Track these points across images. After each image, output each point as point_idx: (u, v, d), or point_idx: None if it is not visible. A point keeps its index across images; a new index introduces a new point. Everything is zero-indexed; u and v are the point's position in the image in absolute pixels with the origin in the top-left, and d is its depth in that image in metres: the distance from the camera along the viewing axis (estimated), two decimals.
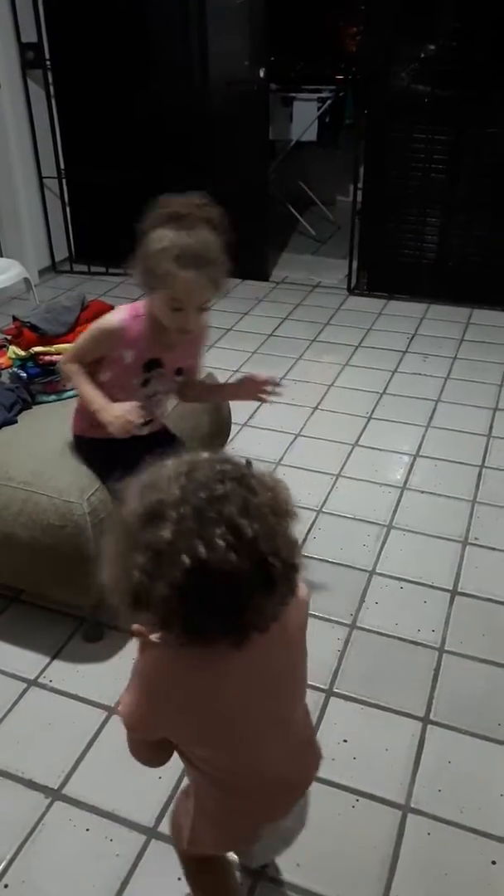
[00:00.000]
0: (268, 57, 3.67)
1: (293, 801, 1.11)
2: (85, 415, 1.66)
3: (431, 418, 2.77)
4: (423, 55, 3.55)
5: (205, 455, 0.81)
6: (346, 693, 1.68)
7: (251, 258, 4.09)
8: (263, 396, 1.72)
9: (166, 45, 3.63)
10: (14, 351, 2.02)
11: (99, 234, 3.96)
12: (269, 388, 1.71)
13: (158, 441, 1.75)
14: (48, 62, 3.81)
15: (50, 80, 3.85)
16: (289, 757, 1.03)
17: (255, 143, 3.86)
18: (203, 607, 0.75)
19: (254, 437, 2.65)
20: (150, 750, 1.00)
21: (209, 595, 0.74)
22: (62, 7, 3.67)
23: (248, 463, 0.82)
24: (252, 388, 1.72)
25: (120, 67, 3.70)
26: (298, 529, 0.71)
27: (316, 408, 2.84)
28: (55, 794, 1.48)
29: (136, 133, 3.82)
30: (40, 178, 4.06)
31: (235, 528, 0.74)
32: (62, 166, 4.05)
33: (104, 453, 1.66)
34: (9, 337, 2.08)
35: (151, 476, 0.79)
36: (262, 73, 3.65)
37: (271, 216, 4.16)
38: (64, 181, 4.07)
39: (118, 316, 1.56)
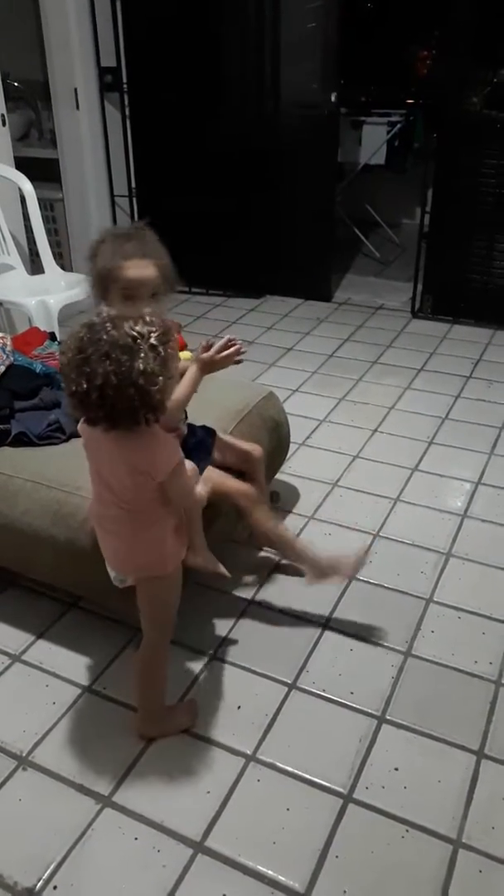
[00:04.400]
0: (339, 82, 3.71)
1: (110, 564, 1.51)
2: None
3: (495, 446, 2.72)
4: (496, 80, 3.54)
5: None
6: (399, 721, 1.66)
7: (314, 278, 4.12)
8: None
9: (239, 69, 3.71)
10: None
11: (166, 251, 4.06)
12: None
13: (195, 434, 1.83)
14: (125, 85, 3.94)
15: (126, 102, 3.98)
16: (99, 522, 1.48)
17: (324, 166, 3.89)
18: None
19: (311, 457, 2.65)
20: None
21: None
22: (140, 33, 3.80)
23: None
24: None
25: (193, 91, 3.80)
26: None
27: (376, 430, 2.83)
28: (105, 801, 1.50)
29: (206, 155, 3.90)
30: (112, 196, 4.19)
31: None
32: (133, 186, 4.16)
33: None
34: None
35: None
36: (333, 98, 3.69)
37: (336, 237, 4.18)
38: (134, 200, 4.19)
39: None
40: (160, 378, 1.21)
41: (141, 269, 1.57)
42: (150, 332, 1.20)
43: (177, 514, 1.44)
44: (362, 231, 4.75)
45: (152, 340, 1.20)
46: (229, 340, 1.67)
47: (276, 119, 3.78)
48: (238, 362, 1.70)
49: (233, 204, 3.94)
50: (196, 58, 3.74)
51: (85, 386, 1.18)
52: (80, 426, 1.37)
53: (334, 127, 3.87)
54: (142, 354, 1.18)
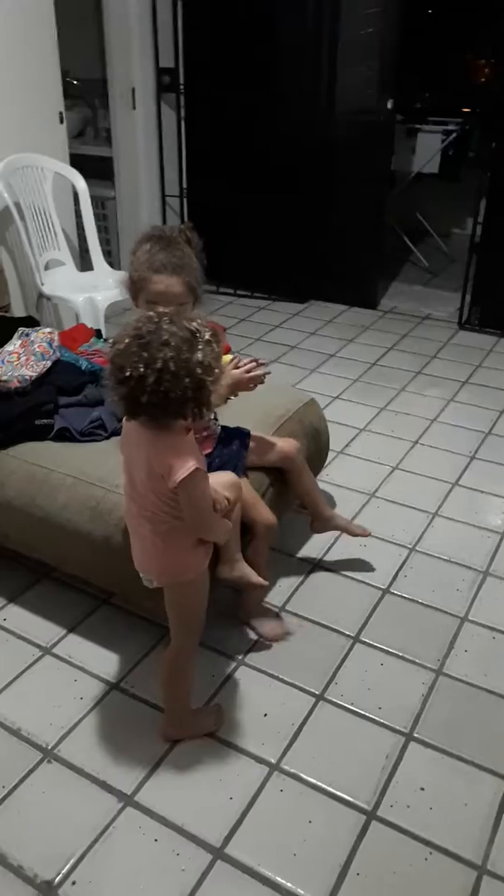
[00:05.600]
0: (396, 88, 3.67)
1: (136, 564, 1.52)
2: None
3: None
4: None
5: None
6: (427, 740, 1.63)
7: (361, 285, 4.09)
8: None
9: (296, 73, 3.70)
10: None
11: (213, 253, 4.08)
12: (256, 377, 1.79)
13: (231, 435, 1.86)
14: (182, 87, 3.96)
15: (181, 103, 4.01)
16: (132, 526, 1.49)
17: (377, 173, 3.86)
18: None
19: (349, 466, 2.63)
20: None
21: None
22: (200, 35, 3.82)
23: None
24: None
25: (248, 94, 3.79)
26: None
27: (416, 442, 2.79)
28: (128, 800, 1.50)
29: (258, 157, 3.91)
30: (163, 196, 4.22)
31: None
32: (184, 186, 4.19)
33: None
34: None
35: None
36: (389, 104, 3.66)
37: (384, 245, 4.15)
38: (185, 200, 4.21)
39: None
40: (216, 371, 1.24)
41: (167, 284, 1.61)
42: (204, 331, 1.25)
43: (192, 528, 1.41)
44: (412, 239, 4.70)
45: (207, 337, 1.24)
46: (256, 362, 1.79)
47: (330, 124, 3.77)
48: (261, 382, 1.81)
49: (282, 207, 3.93)
50: (253, 61, 3.74)
51: (142, 369, 1.19)
52: (124, 422, 1.39)
53: (389, 133, 3.84)
54: (200, 346, 1.22)
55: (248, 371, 1.78)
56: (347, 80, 3.66)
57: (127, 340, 1.22)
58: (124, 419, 1.38)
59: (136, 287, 1.64)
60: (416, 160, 4.45)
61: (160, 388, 1.20)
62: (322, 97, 3.72)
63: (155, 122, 4.04)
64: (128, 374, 1.20)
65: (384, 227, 4.07)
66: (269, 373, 1.83)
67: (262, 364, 1.82)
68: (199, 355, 1.21)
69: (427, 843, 1.43)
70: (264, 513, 1.80)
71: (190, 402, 1.23)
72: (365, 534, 2.11)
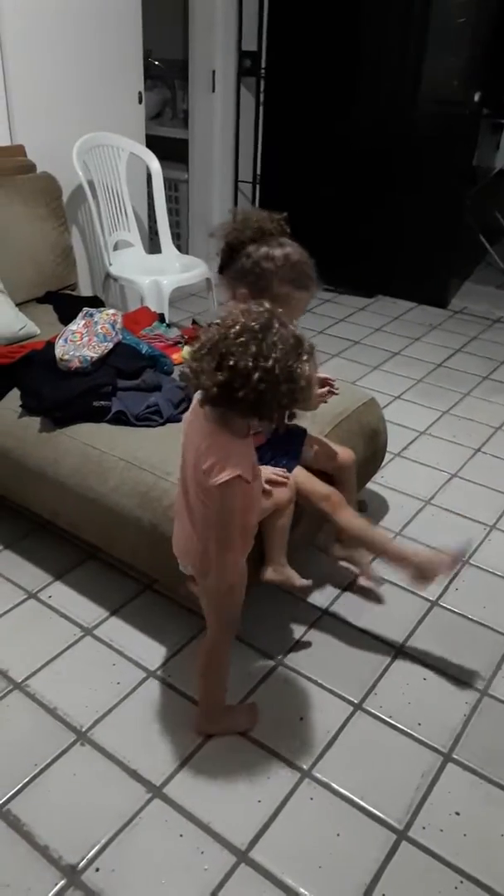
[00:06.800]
0: (484, 81, 3.53)
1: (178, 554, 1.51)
2: None
3: None
4: None
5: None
6: (465, 762, 1.57)
7: (431, 283, 3.98)
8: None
9: (380, 62, 3.59)
10: (188, 351, 2.07)
11: None
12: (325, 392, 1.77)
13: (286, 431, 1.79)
14: (263, 71, 3.90)
15: (261, 88, 3.95)
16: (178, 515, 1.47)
17: (458, 167, 3.73)
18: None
19: (406, 470, 2.56)
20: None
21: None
22: (285, 19, 3.74)
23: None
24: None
25: (329, 81, 3.71)
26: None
27: (478, 450, 2.70)
28: (156, 791, 1.49)
29: (334, 147, 3.82)
30: (236, 181, 4.18)
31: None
32: (258, 172, 4.13)
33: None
34: (185, 337, 2.14)
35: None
36: (476, 97, 3.53)
37: (459, 243, 4.01)
38: (258, 187, 4.16)
39: None
40: (310, 389, 1.21)
41: (306, 301, 1.58)
42: (306, 342, 1.22)
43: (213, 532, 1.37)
44: (489, 239, 4.54)
45: (306, 346, 1.21)
46: (329, 384, 1.78)
47: (412, 115, 3.65)
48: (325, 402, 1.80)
49: (356, 198, 3.84)
50: (337, 48, 3.65)
51: (251, 363, 1.14)
52: (193, 405, 1.36)
53: (474, 128, 3.70)
54: (305, 357, 1.19)
55: (320, 393, 1.75)
56: (434, 69, 3.54)
57: (238, 328, 1.16)
58: (194, 404, 1.34)
59: (264, 293, 1.47)
60: (499, 157, 4.29)
61: (259, 387, 1.16)
62: (406, 86, 3.60)
63: (233, 106, 3.99)
64: (232, 363, 1.15)
65: (461, 224, 3.94)
66: (337, 393, 1.82)
67: (335, 388, 1.80)
68: (306, 367, 1.18)
69: (458, 871, 1.38)
70: (319, 489, 1.75)
71: (277, 410, 1.20)
72: (377, 583, 1.99)
